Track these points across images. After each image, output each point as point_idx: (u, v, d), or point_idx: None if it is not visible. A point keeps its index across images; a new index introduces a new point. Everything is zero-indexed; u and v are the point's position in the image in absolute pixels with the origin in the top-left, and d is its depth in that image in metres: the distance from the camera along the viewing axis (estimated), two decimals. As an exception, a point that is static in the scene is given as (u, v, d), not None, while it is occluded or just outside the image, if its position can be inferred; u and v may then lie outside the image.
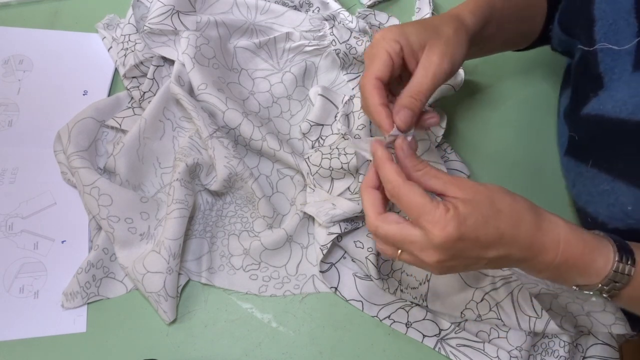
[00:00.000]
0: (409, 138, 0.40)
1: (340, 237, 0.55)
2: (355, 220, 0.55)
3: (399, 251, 0.38)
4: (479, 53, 0.52)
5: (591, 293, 0.38)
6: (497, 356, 0.51)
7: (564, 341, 0.52)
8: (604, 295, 0.38)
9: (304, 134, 0.59)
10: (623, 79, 0.44)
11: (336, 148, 0.54)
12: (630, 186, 0.44)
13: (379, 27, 0.66)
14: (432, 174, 0.38)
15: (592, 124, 0.48)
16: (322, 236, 0.53)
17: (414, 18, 0.68)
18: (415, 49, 0.41)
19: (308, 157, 0.55)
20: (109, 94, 0.62)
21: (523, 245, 0.37)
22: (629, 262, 0.37)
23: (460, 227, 0.35)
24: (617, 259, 0.37)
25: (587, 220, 0.52)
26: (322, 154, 0.54)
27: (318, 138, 0.59)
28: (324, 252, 0.53)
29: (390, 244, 0.39)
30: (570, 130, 0.54)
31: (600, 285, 0.38)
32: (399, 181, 0.37)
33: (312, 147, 0.59)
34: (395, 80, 0.44)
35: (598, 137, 0.48)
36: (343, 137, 0.54)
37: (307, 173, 0.55)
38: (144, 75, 0.60)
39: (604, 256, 0.37)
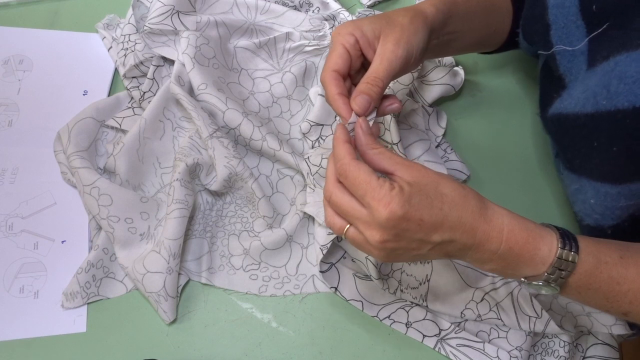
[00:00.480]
0: (371, 123, 0.41)
1: (340, 237, 0.55)
2: None
3: (347, 226, 0.39)
4: (446, 50, 0.53)
5: (540, 283, 0.38)
6: (497, 356, 0.51)
7: (564, 341, 0.52)
8: (552, 285, 0.38)
9: (304, 134, 0.59)
10: (580, 78, 0.46)
11: None
12: (590, 180, 0.45)
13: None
14: (385, 154, 0.39)
15: (556, 124, 0.50)
16: (322, 236, 0.53)
17: (414, 18, 0.68)
18: (370, 39, 0.43)
19: (308, 157, 0.55)
20: (109, 94, 0.62)
21: (467, 230, 0.37)
22: (572, 250, 0.37)
23: (404, 205, 0.35)
24: (559, 246, 0.38)
25: (578, 220, 0.53)
26: (322, 154, 0.54)
27: (318, 138, 0.59)
28: (324, 252, 0.53)
29: (340, 215, 0.39)
30: (545, 133, 0.55)
31: (546, 274, 0.38)
32: (348, 159, 0.38)
33: (312, 147, 0.59)
34: (359, 73, 0.45)
35: (563, 137, 0.50)
36: None
37: (307, 173, 0.55)
38: (144, 75, 0.61)
39: (547, 244, 0.38)
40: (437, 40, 0.47)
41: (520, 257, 0.38)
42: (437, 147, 0.60)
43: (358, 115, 0.41)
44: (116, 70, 0.63)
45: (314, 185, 0.55)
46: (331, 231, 0.52)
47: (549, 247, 0.38)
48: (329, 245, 0.53)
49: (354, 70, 0.44)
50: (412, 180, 0.37)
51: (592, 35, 0.44)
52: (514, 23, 0.56)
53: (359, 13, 0.67)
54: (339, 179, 0.39)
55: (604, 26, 0.42)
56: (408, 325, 0.53)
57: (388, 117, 0.56)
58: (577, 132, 0.46)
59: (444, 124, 0.62)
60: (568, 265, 0.37)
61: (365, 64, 0.45)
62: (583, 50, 0.45)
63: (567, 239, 0.38)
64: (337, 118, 0.58)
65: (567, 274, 0.38)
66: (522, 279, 0.39)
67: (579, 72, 0.46)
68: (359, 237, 0.38)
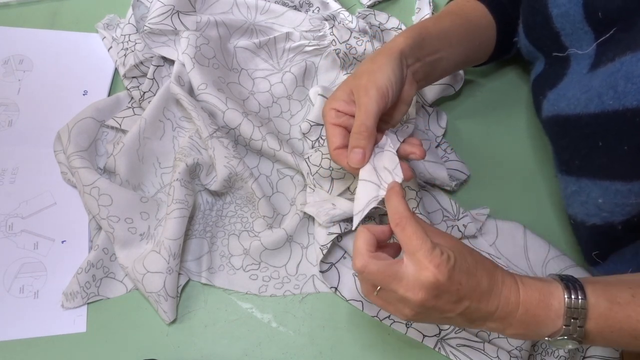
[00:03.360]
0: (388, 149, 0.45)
1: (340, 237, 0.55)
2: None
3: (378, 288, 0.40)
4: (435, 71, 0.53)
5: (565, 338, 0.39)
6: (497, 356, 0.51)
7: (564, 341, 0.52)
8: (575, 336, 0.39)
9: (304, 134, 0.59)
10: (575, 80, 0.47)
11: None
12: (594, 180, 0.45)
13: (379, 27, 0.66)
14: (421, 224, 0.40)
15: (554, 126, 0.50)
16: (322, 236, 0.53)
17: (414, 18, 0.68)
18: (348, 101, 0.46)
19: (308, 157, 0.55)
20: (109, 94, 0.62)
21: (492, 297, 0.39)
22: (579, 297, 0.38)
23: (451, 270, 0.37)
24: (566, 295, 0.38)
25: (571, 223, 0.53)
26: (322, 154, 0.54)
27: (318, 138, 0.59)
28: (324, 252, 0.53)
29: (374, 281, 0.39)
30: (543, 134, 0.55)
31: (564, 327, 0.38)
32: (409, 213, 0.40)
33: (312, 147, 0.59)
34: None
35: (561, 139, 0.50)
36: None
37: (307, 173, 0.55)
38: (144, 75, 0.61)
39: (557, 298, 0.39)
40: (420, 63, 0.49)
41: (537, 317, 0.39)
42: (437, 147, 0.60)
43: (356, 167, 0.44)
44: (116, 70, 0.63)
45: (314, 185, 0.55)
46: (331, 231, 0.52)
47: (559, 301, 0.38)
48: (329, 245, 0.53)
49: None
50: (451, 246, 0.39)
51: (600, 40, 0.44)
52: (499, 35, 0.57)
53: (359, 13, 0.67)
54: (394, 229, 0.40)
55: (612, 31, 0.43)
56: (408, 325, 0.53)
57: None
58: (578, 132, 0.46)
59: (444, 124, 0.62)
60: (580, 312, 0.38)
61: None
62: (590, 54, 0.46)
63: (572, 286, 0.39)
64: None
65: (582, 321, 0.38)
66: (547, 338, 0.40)
67: (577, 74, 0.47)
68: (393, 297, 0.39)
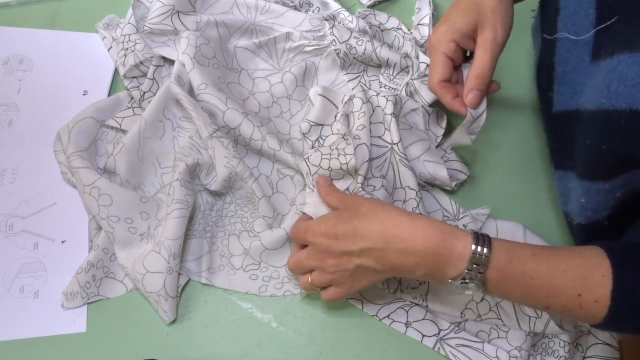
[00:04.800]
0: (483, 115, 0.49)
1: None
2: None
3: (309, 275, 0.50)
4: None
5: (466, 282, 0.41)
6: (497, 356, 0.51)
7: (564, 341, 0.52)
8: (475, 281, 0.41)
9: (303, 134, 0.59)
10: (581, 70, 0.46)
11: (336, 148, 0.54)
12: (579, 179, 0.46)
13: (379, 27, 0.66)
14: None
15: (561, 121, 0.50)
16: None
17: (414, 18, 0.68)
18: (469, 35, 0.47)
19: (307, 157, 0.55)
20: (109, 94, 0.62)
21: (379, 236, 0.43)
22: (485, 246, 0.40)
23: (320, 225, 0.46)
24: (473, 242, 0.41)
25: (568, 221, 0.53)
26: (322, 154, 0.54)
27: (318, 138, 0.59)
28: None
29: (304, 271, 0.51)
30: (544, 132, 0.55)
31: (466, 270, 0.41)
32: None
33: (312, 147, 0.59)
34: (462, 56, 0.50)
35: (561, 135, 0.50)
36: (342, 138, 0.54)
37: (307, 173, 0.55)
38: (144, 75, 0.60)
39: (462, 242, 0.41)
40: None
41: (439, 257, 0.41)
42: (437, 147, 0.60)
43: (472, 108, 0.47)
44: (116, 70, 0.63)
45: (313, 186, 0.55)
46: None
47: (464, 245, 0.41)
48: None
49: (457, 64, 0.50)
50: (340, 206, 0.48)
51: (600, 27, 0.44)
52: None
53: (359, 13, 0.67)
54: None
55: (613, 19, 0.42)
56: (407, 324, 0.53)
57: (388, 117, 0.56)
58: (578, 128, 0.46)
59: (444, 124, 0.62)
60: (482, 259, 0.40)
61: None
62: (588, 41, 0.45)
63: (480, 237, 0.41)
64: (334, 127, 0.59)
65: (483, 268, 0.40)
66: (450, 280, 0.42)
67: (579, 64, 0.46)
68: (316, 277, 0.49)
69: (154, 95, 0.58)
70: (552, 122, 0.52)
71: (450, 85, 0.49)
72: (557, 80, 0.49)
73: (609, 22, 0.43)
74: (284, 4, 0.65)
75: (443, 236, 0.41)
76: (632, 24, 0.41)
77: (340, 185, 0.55)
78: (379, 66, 0.64)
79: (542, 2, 0.53)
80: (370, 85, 0.63)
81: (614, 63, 0.41)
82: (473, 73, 0.47)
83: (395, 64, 0.61)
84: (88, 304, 0.53)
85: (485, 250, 0.40)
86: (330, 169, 0.53)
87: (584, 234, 0.50)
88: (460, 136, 0.50)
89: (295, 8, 0.66)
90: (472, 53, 0.50)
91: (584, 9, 0.45)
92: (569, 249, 0.42)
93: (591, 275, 0.39)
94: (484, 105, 0.49)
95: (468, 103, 0.47)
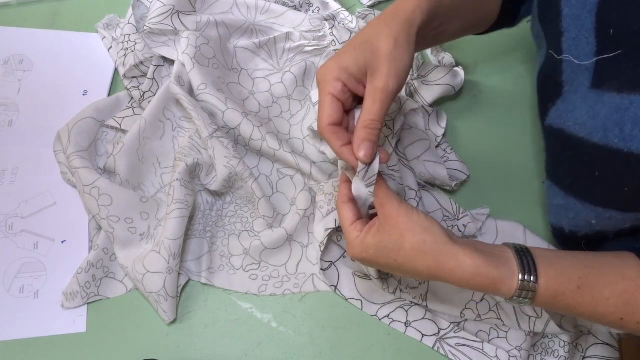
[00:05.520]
0: (375, 163, 0.43)
1: (340, 237, 0.55)
2: None
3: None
4: (431, 43, 0.52)
5: (508, 301, 0.42)
6: (496, 356, 0.51)
7: (564, 341, 0.52)
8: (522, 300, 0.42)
9: (309, 142, 0.59)
10: (580, 94, 0.45)
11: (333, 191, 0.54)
12: (584, 202, 0.46)
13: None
14: (376, 197, 0.44)
15: (553, 137, 0.49)
16: (320, 233, 0.53)
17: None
18: (357, 77, 0.42)
19: (322, 188, 0.56)
20: (109, 94, 0.62)
21: (424, 274, 0.42)
22: (531, 280, 0.41)
23: (361, 253, 0.43)
24: (520, 278, 0.41)
25: (550, 230, 0.54)
26: (333, 182, 0.55)
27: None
28: (322, 248, 0.53)
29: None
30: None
31: (508, 301, 0.42)
32: (340, 200, 0.45)
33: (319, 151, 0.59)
34: (352, 99, 0.45)
35: (555, 150, 0.50)
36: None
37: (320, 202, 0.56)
38: (144, 75, 0.61)
39: (507, 285, 0.41)
40: (422, 38, 0.46)
41: (485, 291, 0.42)
42: (437, 147, 0.60)
43: (364, 164, 0.42)
44: (116, 70, 0.63)
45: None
46: (328, 227, 0.53)
47: (509, 287, 0.41)
48: (325, 242, 0.53)
49: (348, 108, 0.45)
50: (380, 226, 0.42)
51: (601, 57, 0.43)
52: (504, 4, 0.54)
53: (359, 13, 0.67)
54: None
55: (616, 52, 0.41)
56: (407, 324, 0.53)
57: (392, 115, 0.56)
58: (577, 156, 0.45)
59: (444, 124, 0.62)
60: (528, 295, 0.41)
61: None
62: (589, 68, 0.44)
63: (527, 269, 0.41)
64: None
65: (528, 302, 0.41)
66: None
67: (580, 88, 0.45)
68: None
69: (154, 95, 0.58)
70: (545, 133, 0.52)
71: (341, 130, 0.43)
72: (562, 97, 0.47)
73: (612, 55, 0.42)
74: (284, 4, 0.65)
75: (490, 281, 0.41)
76: (637, 61, 0.40)
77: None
78: (379, 66, 0.64)
79: (541, 17, 0.52)
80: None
81: (625, 103, 0.40)
82: (362, 123, 0.41)
83: (395, 64, 0.61)
84: (88, 304, 0.53)
85: (531, 284, 0.40)
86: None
87: (584, 239, 0.50)
88: (359, 188, 0.44)
89: (295, 8, 0.66)
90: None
91: (584, 36, 0.44)
92: (614, 271, 0.42)
93: (634, 299, 0.40)
94: (376, 157, 0.43)
95: (361, 157, 0.41)
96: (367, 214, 0.46)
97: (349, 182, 0.45)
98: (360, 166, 0.42)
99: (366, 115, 0.41)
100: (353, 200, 0.45)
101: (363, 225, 0.43)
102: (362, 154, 0.41)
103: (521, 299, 0.41)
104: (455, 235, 0.43)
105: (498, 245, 0.44)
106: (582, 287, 0.41)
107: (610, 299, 0.40)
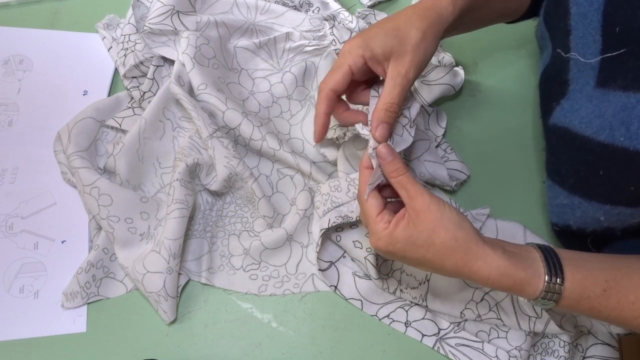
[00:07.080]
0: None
1: (339, 237, 0.55)
2: (350, 216, 0.54)
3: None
4: (463, 30, 0.53)
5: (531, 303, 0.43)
6: (496, 356, 0.51)
7: (564, 341, 0.52)
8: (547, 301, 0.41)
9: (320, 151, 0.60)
10: (585, 92, 0.45)
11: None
12: (590, 201, 0.46)
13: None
14: (402, 183, 0.42)
15: (556, 136, 0.49)
16: (317, 233, 0.53)
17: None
18: (380, 59, 0.45)
19: (319, 188, 0.56)
20: (109, 94, 0.62)
21: (451, 273, 0.41)
22: (557, 282, 0.40)
23: (387, 246, 0.41)
24: (546, 280, 0.40)
25: (554, 229, 0.53)
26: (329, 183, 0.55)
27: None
28: (317, 249, 0.53)
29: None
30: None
31: (532, 302, 0.42)
32: (362, 189, 0.44)
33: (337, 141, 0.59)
34: (361, 85, 0.49)
35: (557, 150, 0.50)
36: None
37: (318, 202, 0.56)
38: (144, 75, 0.61)
39: (533, 287, 0.40)
40: (448, 31, 0.48)
41: (510, 292, 0.42)
42: (437, 147, 0.60)
43: (379, 142, 0.44)
44: (116, 70, 0.63)
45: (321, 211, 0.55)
46: (323, 227, 0.52)
47: (534, 289, 0.40)
48: (320, 243, 0.53)
49: (355, 83, 0.47)
50: (410, 220, 0.41)
51: (606, 55, 0.43)
52: None
53: (359, 13, 0.67)
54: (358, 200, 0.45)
55: (621, 50, 0.42)
56: (407, 324, 0.53)
57: None
58: (582, 155, 0.45)
59: (444, 124, 0.62)
60: (553, 297, 0.41)
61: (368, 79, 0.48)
62: (594, 66, 0.44)
63: (553, 271, 0.41)
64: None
65: (552, 304, 0.41)
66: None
67: (585, 86, 0.45)
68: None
69: (154, 95, 0.58)
70: (547, 133, 0.52)
71: (334, 99, 0.47)
72: (568, 95, 0.47)
73: (617, 53, 0.42)
74: (284, 4, 0.65)
75: (515, 282, 0.40)
76: None
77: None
78: (379, 66, 0.64)
79: (547, 18, 0.52)
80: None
81: (631, 101, 0.40)
82: (382, 106, 0.44)
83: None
84: (88, 304, 0.53)
85: (557, 287, 0.40)
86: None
87: (591, 235, 0.50)
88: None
89: (295, 8, 0.66)
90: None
91: (591, 34, 0.44)
92: None
93: None
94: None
95: (378, 137, 0.44)
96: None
97: (371, 168, 0.44)
98: (372, 144, 0.44)
99: (387, 98, 0.44)
100: (377, 189, 0.44)
101: (390, 217, 0.42)
102: (378, 133, 0.44)
103: (545, 300, 0.41)
104: (481, 234, 0.42)
105: (524, 245, 0.44)
106: (607, 290, 0.40)
107: (635, 302, 0.40)
